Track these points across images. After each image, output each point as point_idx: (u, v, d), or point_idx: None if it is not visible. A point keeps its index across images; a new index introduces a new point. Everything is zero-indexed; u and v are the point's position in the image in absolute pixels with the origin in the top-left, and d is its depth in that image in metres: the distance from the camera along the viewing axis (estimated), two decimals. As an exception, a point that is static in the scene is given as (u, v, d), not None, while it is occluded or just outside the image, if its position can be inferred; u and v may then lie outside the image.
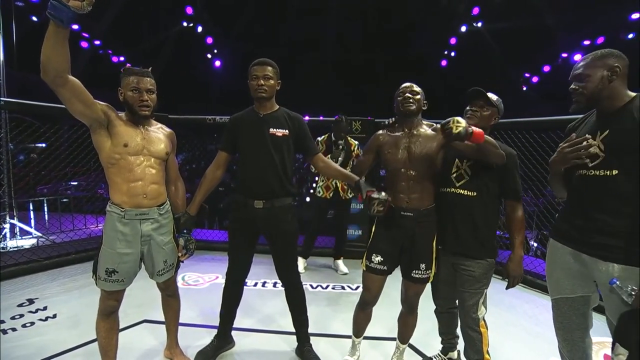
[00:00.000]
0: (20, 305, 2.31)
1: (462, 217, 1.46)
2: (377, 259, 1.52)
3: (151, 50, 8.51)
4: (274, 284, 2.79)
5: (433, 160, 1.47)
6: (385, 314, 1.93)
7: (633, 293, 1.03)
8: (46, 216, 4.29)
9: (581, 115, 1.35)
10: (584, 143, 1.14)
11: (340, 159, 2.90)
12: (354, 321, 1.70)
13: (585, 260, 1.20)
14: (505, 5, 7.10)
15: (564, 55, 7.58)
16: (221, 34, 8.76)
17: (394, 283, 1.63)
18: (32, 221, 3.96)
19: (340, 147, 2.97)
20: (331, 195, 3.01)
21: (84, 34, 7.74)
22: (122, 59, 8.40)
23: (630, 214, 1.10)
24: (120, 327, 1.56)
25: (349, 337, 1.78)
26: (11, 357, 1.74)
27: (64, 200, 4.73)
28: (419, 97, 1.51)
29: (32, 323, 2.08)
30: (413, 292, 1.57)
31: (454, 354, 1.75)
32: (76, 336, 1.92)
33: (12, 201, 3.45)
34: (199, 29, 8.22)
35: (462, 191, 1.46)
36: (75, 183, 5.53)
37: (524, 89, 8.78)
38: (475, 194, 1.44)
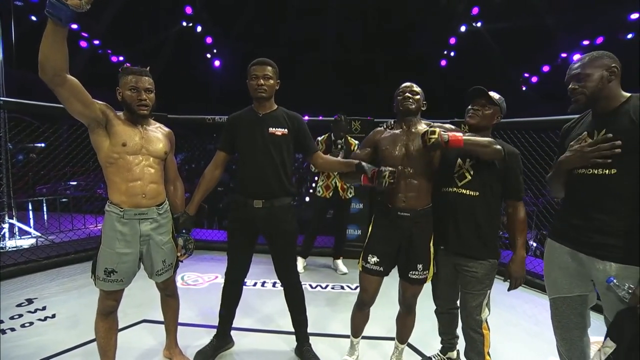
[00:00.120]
0: (19, 305, 2.31)
1: (464, 217, 1.44)
2: (373, 259, 1.52)
3: (151, 50, 8.50)
4: (274, 284, 2.79)
5: (430, 158, 1.47)
6: (384, 313, 1.93)
7: (630, 291, 1.04)
8: (45, 216, 4.28)
9: (577, 116, 1.35)
10: (607, 144, 1.12)
11: (339, 158, 2.90)
12: (352, 321, 1.70)
13: (583, 260, 1.20)
14: (505, 5, 7.11)
15: (564, 55, 7.60)
16: (221, 33, 8.75)
17: (392, 283, 1.63)
18: (31, 221, 3.95)
19: (340, 146, 2.97)
20: (331, 194, 3.01)
21: (83, 34, 7.73)
22: (121, 58, 8.39)
23: (629, 213, 1.11)
24: (120, 327, 1.55)
25: (348, 337, 1.78)
26: (10, 357, 1.74)
27: (63, 200, 4.73)
28: (418, 97, 1.51)
29: (31, 323, 2.08)
30: (411, 294, 1.57)
31: (454, 354, 1.75)
32: (75, 336, 1.92)
33: (11, 201, 3.44)
34: (199, 29, 8.22)
35: (464, 191, 1.44)
36: (75, 183, 5.52)
37: (524, 89, 8.79)
38: (477, 193, 1.43)
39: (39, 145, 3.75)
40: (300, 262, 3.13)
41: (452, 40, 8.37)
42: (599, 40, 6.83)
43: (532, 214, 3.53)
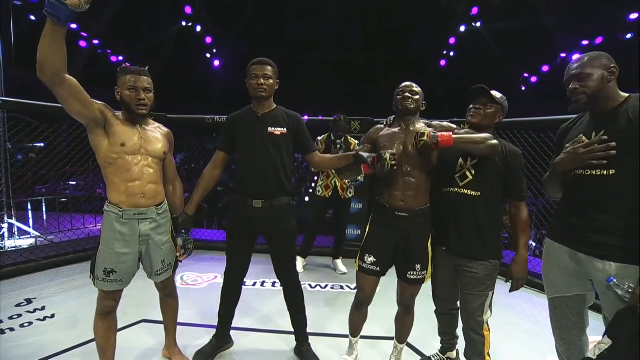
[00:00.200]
0: (19, 305, 2.30)
1: (465, 217, 1.43)
2: (370, 259, 1.51)
3: (150, 50, 8.49)
4: (273, 284, 2.79)
5: (428, 156, 1.46)
6: (383, 313, 1.93)
7: (630, 290, 1.04)
8: (44, 216, 4.28)
9: (574, 116, 1.35)
10: (601, 146, 1.12)
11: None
12: (350, 321, 1.70)
13: (582, 259, 1.21)
14: (505, 6, 7.11)
15: (563, 55, 7.60)
16: (221, 33, 8.75)
17: (391, 283, 1.63)
18: (31, 221, 3.95)
19: (339, 146, 2.97)
20: (330, 194, 3.01)
21: (83, 33, 7.72)
22: (120, 58, 8.39)
23: (628, 213, 1.11)
24: (119, 326, 1.55)
25: (347, 336, 1.77)
26: (9, 357, 1.74)
27: (63, 200, 4.72)
28: (417, 97, 1.51)
29: (30, 323, 2.08)
30: (409, 294, 1.56)
31: (453, 354, 1.75)
32: (74, 336, 1.92)
33: (10, 201, 3.44)
34: (199, 28, 8.21)
35: (465, 191, 1.43)
36: (74, 183, 5.52)
37: (523, 88, 8.80)
38: (479, 193, 1.41)
39: (38, 145, 3.74)
40: (300, 262, 3.13)
41: (452, 40, 8.38)
42: (598, 40, 6.84)
43: (531, 214, 3.54)
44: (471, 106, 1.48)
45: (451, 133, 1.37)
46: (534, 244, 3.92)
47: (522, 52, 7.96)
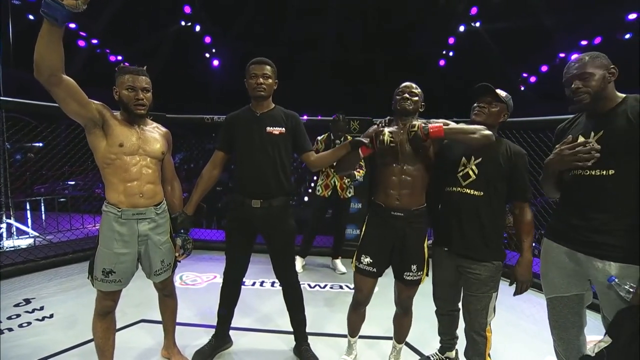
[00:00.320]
0: (17, 305, 2.30)
1: (468, 217, 1.41)
2: (366, 260, 1.51)
3: (149, 50, 8.48)
4: (272, 284, 2.79)
5: (424, 153, 1.45)
6: (382, 313, 1.93)
7: (632, 290, 1.04)
8: (43, 216, 4.27)
9: (571, 116, 1.36)
10: (587, 146, 1.13)
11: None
12: (348, 321, 1.70)
13: (581, 259, 1.21)
14: (504, 6, 7.12)
15: (562, 55, 7.62)
16: (220, 33, 8.74)
17: (390, 283, 1.62)
18: (29, 221, 3.94)
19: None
20: (329, 194, 3.01)
21: (82, 33, 7.71)
22: (119, 58, 8.37)
23: (628, 212, 1.12)
24: (118, 326, 1.55)
25: (346, 336, 1.77)
26: (8, 357, 1.73)
27: (61, 199, 4.71)
28: (416, 98, 1.51)
29: (29, 323, 2.07)
30: (406, 295, 1.56)
31: (452, 354, 1.75)
32: (73, 336, 1.91)
33: (8, 201, 3.43)
34: (198, 28, 8.20)
35: (468, 190, 1.41)
36: (73, 183, 5.51)
37: (522, 88, 8.81)
38: (482, 193, 1.39)
39: (37, 144, 3.73)
40: (299, 262, 3.13)
41: (451, 40, 8.39)
42: (597, 40, 6.85)
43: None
44: (475, 104, 1.45)
45: (442, 124, 1.36)
46: (532, 244, 3.91)
47: (521, 52, 7.98)
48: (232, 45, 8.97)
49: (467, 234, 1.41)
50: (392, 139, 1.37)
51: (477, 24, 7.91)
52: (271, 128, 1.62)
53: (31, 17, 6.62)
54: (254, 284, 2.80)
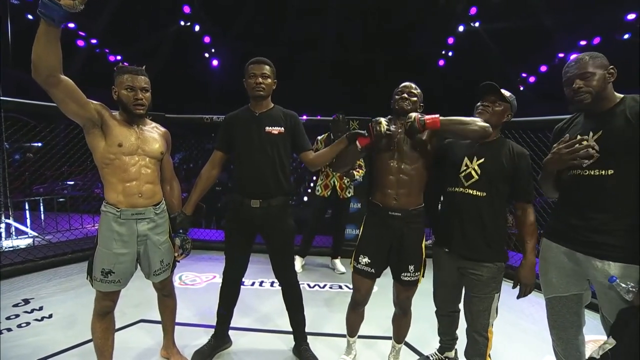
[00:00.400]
0: (16, 305, 2.30)
1: (470, 218, 1.39)
2: (364, 260, 1.51)
3: (149, 50, 8.47)
4: (271, 284, 2.79)
5: (422, 151, 1.45)
6: (381, 313, 1.93)
7: (633, 290, 1.04)
8: (42, 216, 4.27)
9: (568, 116, 1.36)
10: (583, 144, 1.13)
11: None
12: (347, 321, 1.70)
13: (580, 259, 1.21)
14: (503, 6, 7.13)
15: (561, 55, 7.63)
16: (220, 33, 8.73)
17: (388, 283, 1.62)
18: (28, 221, 3.94)
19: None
20: (329, 194, 3.02)
21: (81, 33, 7.70)
22: (118, 57, 8.36)
23: (627, 212, 1.12)
24: (117, 326, 1.55)
25: (345, 336, 1.77)
26: (7, 357, 1.73)
27: (61, 199, 4.71)
28: (415, 99, 1.51)
29: (28, 323, 2.07)
30: (404, 296, 1.56)
31: (451, 354, 1.75)
32: (72, 336, 1.91)
33: (7, 201, 3.42)
34: (198, 28, 8.20)
35: (470, 191, 1.39)
36: (72, 182, 5.50)
37: (521, 88, 8.82)
38: (484, 194, 1.37)
39: (36, 144, 3.73)
40: (299, 262, 3.13)
41: (451, 40, 8.39)
42: (596, 40, 6.86)
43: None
44: (479, 103, 1.44)
45: (439, 115, 1.35)
46: (536, 246, 3.91)
47: (521, 52, 7.99)
48: (231, 45, 8.97)
49: (469, 235, 1.40)
50: (388, 127, 1.37)
51: (477, 24, 7.92)
52: (270, 128, 1.62)
53: (30, 16, 6.61)
54: (253, 284, 2.80)
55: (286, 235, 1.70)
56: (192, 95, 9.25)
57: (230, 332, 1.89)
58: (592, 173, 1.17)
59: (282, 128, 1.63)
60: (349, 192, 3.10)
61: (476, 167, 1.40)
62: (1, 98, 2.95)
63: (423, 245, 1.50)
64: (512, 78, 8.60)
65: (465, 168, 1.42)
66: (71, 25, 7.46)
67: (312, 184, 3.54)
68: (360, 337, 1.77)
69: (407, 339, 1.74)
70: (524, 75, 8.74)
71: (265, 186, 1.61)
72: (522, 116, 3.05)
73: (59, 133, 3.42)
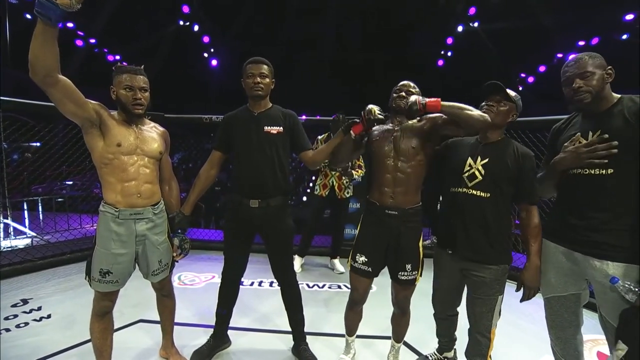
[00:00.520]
0: (15, 305, 2.29)
1: (474, 219, 1.37)
2: (361, 259, 1.51)
3: (148, 49, 8.46)
4: (270, 283, 2.79)
5: (419, 150, 1.44)
6: (380, 313, 1.93)
7: (635, 289, 1.04)
8: (41, 216, 4.26)
9: (566, 116, 1.36)
10: (604, 144, 1.12)
11: None
12: (346, 320, 1.70)
13: (578, 259, 1.21)
14: (502, 6, 7.15)
15: (559, 55, 7.65)
16: (219, 33, 8.73)
17: (387, 283, 1.62)
18: (27, 221, 3.92)
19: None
20: (327, 193, 3.02)
21: (79, 32, 7.68)
22: (117, 57, 8.35)
23: (627, 212, 1.12)
24: (116, 327, 1.55)
25: (344, 336, 1.77)
26: (5, 357, 1.73)
27: (59, 199, 4.70)
28: None
29: (27, 323, 2.07)
30: (402, 296, 1.55)
31: (450, 353, 1.75)
32: (71, 336, 1.91)
33: (6, 201, 3.42)
34: (197, 28, 8.19)
35: (474, 192, 1.37)
36: (71, 182, 5.49)
37: (520, 89, 8.85)
38: (488, 195, 1.35)
39: (34, 144, 3.72)
40: (298, 261, 3.13)
41: (450, 41, 8.41)
42: (595, 40, 6.88)
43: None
44: (484, 103, 1.41)
45: (440, 99, 1.34)
46: (540, 248, 3.90)
47: (519, 52, 8.00)
48: (230, 44, 8.96)
49: (472, 236, 1.38)
50: (379, 112, 1.37)
51: (476, 24, 7.94)
52: (269, 127, 1.61)
53: (28, 16, 6.59)
54: (252, 283, 2.80)
55: (285, 235, 1.70)
56: (191, 95, 9.24)
57: (230, 332, 1.89)
58: (592, 172, 1.17)
59: (281, 128, 1.63)
60: (348, 192, 3.10)
61: (480, 168, 1.37)
62: (1, 98, 2.94)
63: (420, 245, 1.50)
64: (511, 78, 8.62)
65: (469, 168, 1.40)
66: (70, 24, 7.45)
67: (311, 184, 3.54)
68: (359, 336, 1.77)
69: (406, 339, 1.74)
70: (522, 75, 8.76)
71: (264, 186, 1.61)
72: (520, 116, 3.06)
73: (57, 133, 3.41)
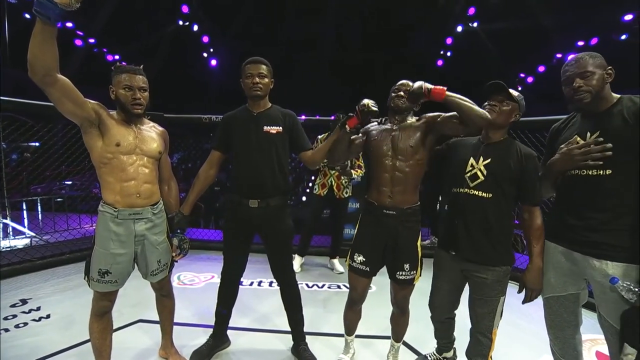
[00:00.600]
0: (14, 305, 2.29)
1: (475, 219, 1.36)
2: (360, 258, 1.51)
3: (147, 49, 8.45)
4: (270, 283, 2.79)
5: (418, 149, 1.44)
6: (380, 313, 1.93)
7: (635, 289, 1.03)
8: (40, 216, 4.25)
9: (564, 117, 1.36)
10: (598, 147, 1.12)
11: None
12: (345, 320, 1.70)
13: (577, 259, 1.22)
14: (502, 6, 7.15)
15: (559, 55, 7.66)
16: (218, 32, 8.72)
17: (386, 282, 1.62)
18: (26, 221, 3.92)
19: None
20: (325, 193, 3.02)
21: (79, 32, 7.67)
22: (116, 57, 8.34)
23: (626, 212, 1.12)
24: (115, 327, 1.55)
25: (344, 335, 1.77)
26: (5, 357, 1.73)
27: (58, 199, 4.69)
28: None
29: (26, 323, 2.06)
30: (401, 296, 1.55)
31: (449, 354, 1.75)
32: (70, 336, 1.91)
33: (4, 201, 3.41)
34: (196, 28, 8.18)
35: (476, 192, 1.36)
36: (70, 182, 5.49)
37: (520, 89, 8.85)
38: (490, 195, 1.34)
39: (34, 144, 3.71)
40: (297, 261, 3.13)
41: (450, 41, 8.41)
42: (594, 41, 6.89)
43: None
44: (486, 102, 1.40)
45: (445, 88, 1.33)
46: (543, 249, 3.91)
47: (519, 52, 8.01)
48: (230, 44, 8.95)
49: (474, 237, 1.37)
50: (374, 106, 1.38)
51: (475, 24, 7.94)
52: (268, 127, 1.61)
53: (27, 16, 6.58)
54: (251, 283, 2.80)
55: (284, 235, 1.70)
56: (191, 95, 9.24)
57: (229, 332, 1.89)
58: (591, 173, 1.17)
59: (281, 127, 1.63)
60: (347, 193, 3.10)
61: (482, 168, 1.36)
62: (1, 98, 2.94)
63: (419, 244, 1.49)
64: (511, 78, 8.63)
65: (470, 169, 1.39)
66: (69, 24, 7.43)
67: (310, 184, 3.55)
68: (358, 336, 1.77)
69: (405, 339, 1.74)
70: (522, 75, 8.77)
71: (264, 186, 1.61)
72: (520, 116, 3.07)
73: (56, 133, 3.41)
